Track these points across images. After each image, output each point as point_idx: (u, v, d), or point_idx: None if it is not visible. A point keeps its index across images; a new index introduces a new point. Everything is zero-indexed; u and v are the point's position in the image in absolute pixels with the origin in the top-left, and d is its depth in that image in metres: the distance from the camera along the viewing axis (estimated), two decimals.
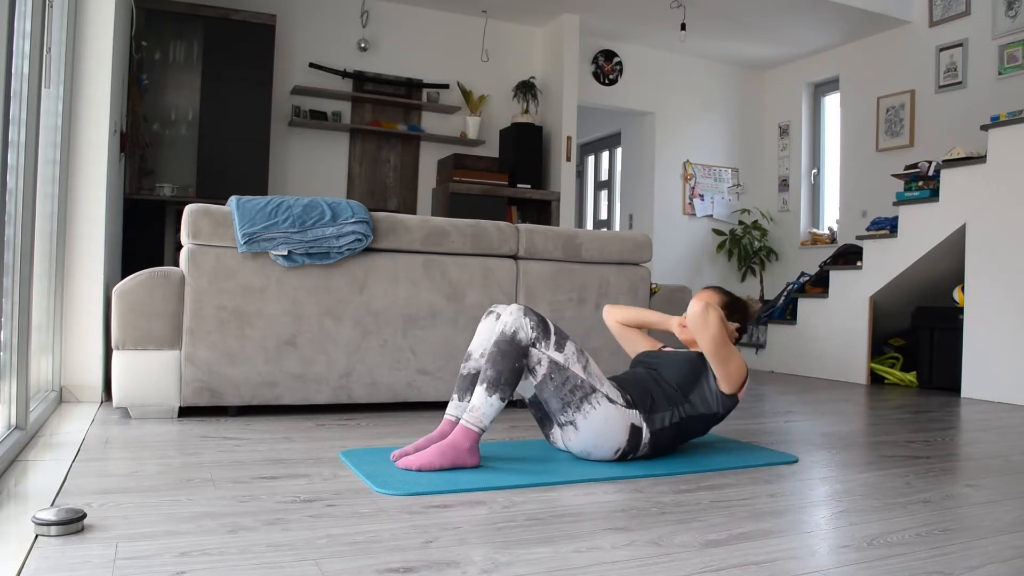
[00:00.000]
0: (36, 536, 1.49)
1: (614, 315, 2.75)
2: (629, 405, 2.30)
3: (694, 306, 2.35)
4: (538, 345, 2.21)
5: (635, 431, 2.28)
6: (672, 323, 2.61)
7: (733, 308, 2.55)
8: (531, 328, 2.20)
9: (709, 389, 2.40)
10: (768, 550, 1.57)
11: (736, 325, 2.55)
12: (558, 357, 2.22)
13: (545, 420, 2.39)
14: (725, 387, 2.40)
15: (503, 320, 2.22)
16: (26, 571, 1.33)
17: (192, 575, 1.33)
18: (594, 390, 2.24)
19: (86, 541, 1.48)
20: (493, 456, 2.35)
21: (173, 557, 1.41)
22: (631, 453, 2.31)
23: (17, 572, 1.32)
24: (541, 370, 2.21)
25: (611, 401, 2.26)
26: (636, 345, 2.73)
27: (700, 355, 2.45)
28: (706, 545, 1.58)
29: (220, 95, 5.29)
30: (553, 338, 2.23)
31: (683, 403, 2.38)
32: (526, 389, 2.29)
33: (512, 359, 2.17)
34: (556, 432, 2.36)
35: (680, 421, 2.37)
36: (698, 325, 2.33)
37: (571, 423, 2.25)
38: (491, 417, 2.16)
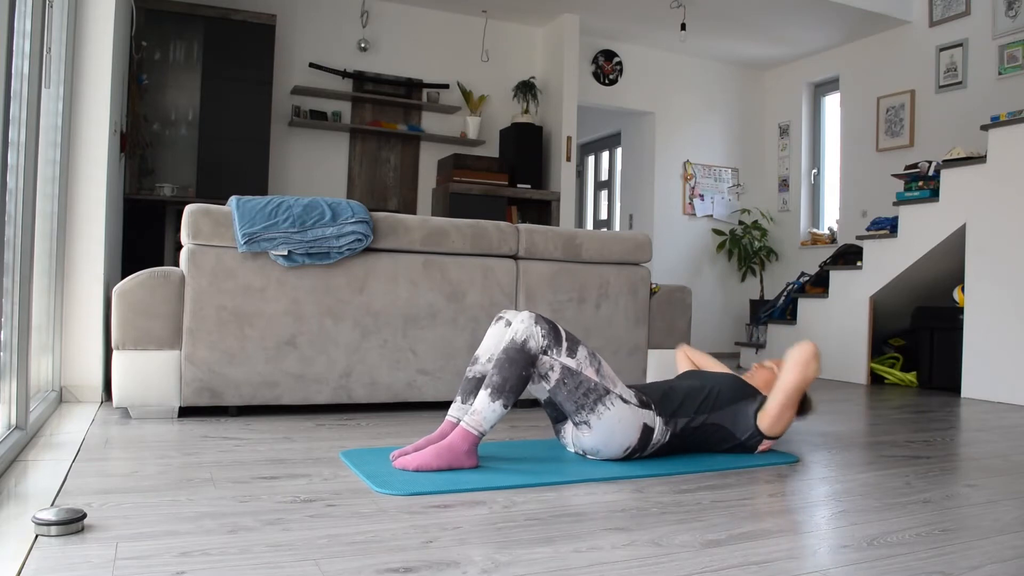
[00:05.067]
0: (36, 536, 1.49)
1: (687, 352, 2.96)
2: (642, 405, 2.31)
3: (809, 347, 2.39)
4: (549, 352, 2.22)
5: (647, 430, 2.30)
6: None
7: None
8: (542, 336, 2.21)
9: (744, 414, 2.44)
10: (768, 550, 1.57)
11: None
12: (570, 363, 2.24)
13: (560, 418, 2.43)
14: (764, 424, 2.43)
15: (514, 327, 2.23)
16: (26, 571, 1.33)
17: (192, 575, 1.33)
18: (608, 392, 2.26)
19: (86, 541, 1.48)
20: (493, 456, 2.35)
21: (173, 557, 1.41)
22: (639, 452, 2.33)
23: (17, 572, 1.32)
24: (554, 376, 2.22)
25: (624, 401, 2.28)
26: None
27: (756, 390, 2.50)
28: (706, 545, 1.58)
29: (220, 95, 5.29)
30: (564, 344, 2.25)
31: (710, 411, 2.41)
32: (540, 392, 2.32)
33: (520, 367, 2.18)
34: (569, 429, 2.39)
35: (699, 427, 2.40)
36: (800, 362, 2.37)
37: (585, 423, 2.27)
38: (492, 422, 2.17)
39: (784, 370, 2.41)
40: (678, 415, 2.36)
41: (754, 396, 2.47)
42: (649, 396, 2.36)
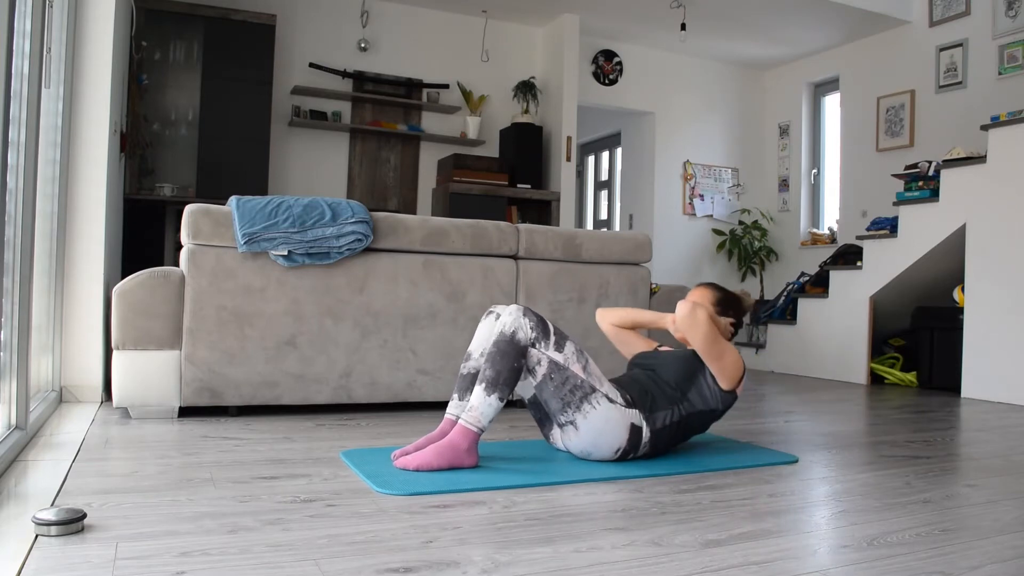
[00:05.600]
0: (36, 536, 1.49)
1: (608, 318, 2.74)
2: (629, 404, 2.29)
3: (681, 307, 2.36)
4: (537, 345, 2.21)
5: (635, 430, 2.28)
6: (666, 321, 2.58)
7: (726, 304, 2.55)
8: (530, 328, 2.20)
9: (707, 386, 2.41)
10: (768, 550, 1.57)
11: (731, 320, 2.55)
12: (558, 357, 2.22)
13: (545, 421, 2.39)
14: (723, 383, 2.41)
15: (502, 320, 2.22)
16: (26, 571, 1.33)
17: (192, 575, 1.33)
18: (594, 390, 2.24)
19: (86, 541, 1.48)
20: (493, 456, 2.35)
21: (173, 557, 1.41)
22: (631, 452, 2.31)
23: (17, 572, 1.32)
24: (541, 370, 2.21)
25: (611, 401, 2.26)
26: (632, 347, 2.72)
27: (696, 353, 2.45)
28: (706, 545, 1.58)
29: (220, 95, 5.29)
30: (552, 338, 2.23)
31: (682, 401, 2.38)
32: (525, 390, 2.29)
33: (511, 359, 2.17)
34: (556, 433, 2.36)
35: (680, 420, 2.37)
36: (687, 326, 2.35)
37: (571, 423, 2.25)
38: (489, 417, 2.16)
39: (688, 338, 2.38)
40: (656, 410, 2.34)
41: (702, 364, 2.42)
42: (631, 394, 2.34)
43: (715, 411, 2.44)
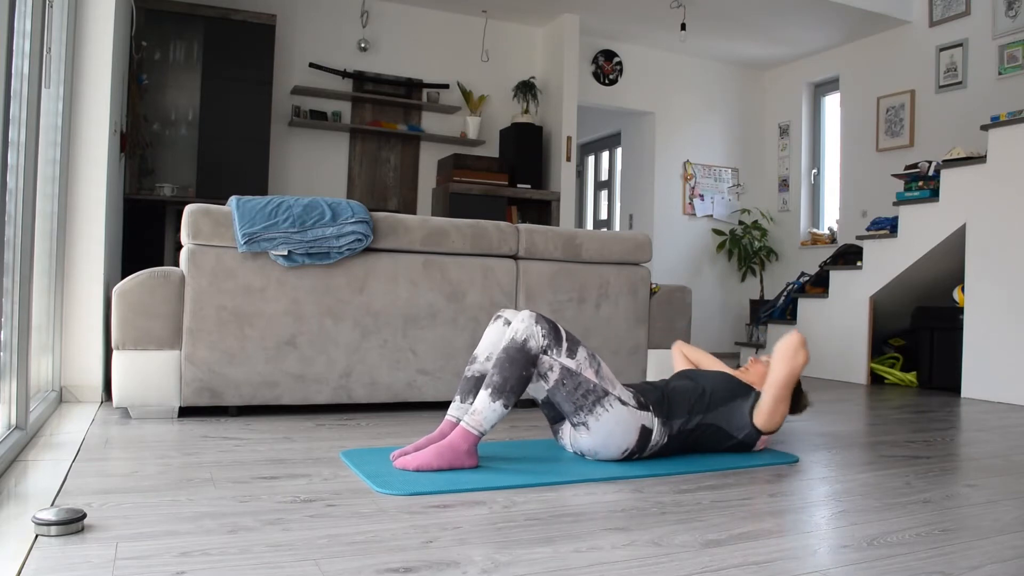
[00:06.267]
0: (36, 536, 1.49)
1: (683, 348, 2.92)
2: (641, 407, 2.31)
3: (793, 338, 2.38)
4: (549, 352, 2.21)
5: (645, 432, 2.29)
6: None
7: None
8: (542, 336, 2.21)
9: (740, 413, 2.43)
10: (768, 550, 1.57)
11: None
12: (570, 363, 2.23)
13: (557, 419, 2.42)
14: (760, 420, 2.41)
15: (514, 327, 2.22)
16: (26, 571, 1.33)
17: (192, 575, 1.33)
18: (606, 393, 2.25)
19: (86, 541, 1.48)
20: (493, 456, 2.35)
21: (173, 557, 1.41)
22: (637, 454, 2.32)
23: (17, 572, 1.32)
24: (553, 376, 2.21)
25: (623, 403, 2.27)
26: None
27: (749, 387, 2.48)
28: (706, 545, 1.58)
29: (220, 95, 5.29)
30: (565, 344, 2.24)
31: (705, 412, 2.40)
32: (538, 392, 2.31)
33: (520, 367, 2.17)
34: (567, 430, 2.39)
35: (694, 428, 2.39)
36: (787, 354, 2.37)
37: (583, 424, 2.26)
38: (492, 422, 2.16)
39: (772, 364, 2.40)
40: (673, 416, 2.35)
41: (747, 393, 2.46)
42: (646, 397, 2.36)
43: (732, 437, 2.45)
